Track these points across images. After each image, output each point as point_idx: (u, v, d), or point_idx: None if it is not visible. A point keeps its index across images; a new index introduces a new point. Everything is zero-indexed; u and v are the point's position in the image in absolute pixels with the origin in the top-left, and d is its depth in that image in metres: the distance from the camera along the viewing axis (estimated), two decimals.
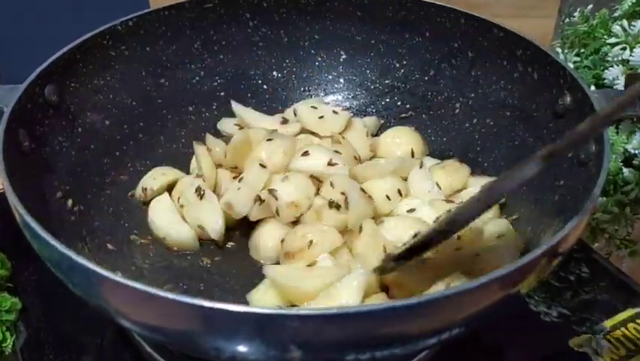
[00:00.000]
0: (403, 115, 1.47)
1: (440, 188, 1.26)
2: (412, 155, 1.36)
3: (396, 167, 1.27)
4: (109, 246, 1.22)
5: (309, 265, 1.11)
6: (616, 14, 1.40)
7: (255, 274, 1.16)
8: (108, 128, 1.31)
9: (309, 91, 1.52)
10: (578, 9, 1.45)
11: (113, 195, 1.30)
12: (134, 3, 1.77)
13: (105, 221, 1.25)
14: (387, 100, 1.49)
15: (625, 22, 1.35)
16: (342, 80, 1.52)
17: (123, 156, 1.34)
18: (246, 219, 1.22)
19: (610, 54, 1.36)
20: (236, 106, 1.45)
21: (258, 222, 1.24)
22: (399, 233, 1.16)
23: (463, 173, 1.31)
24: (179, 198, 1.28)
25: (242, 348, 0.81)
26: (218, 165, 1.32)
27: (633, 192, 1.30)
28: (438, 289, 1.04)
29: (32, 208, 0.92)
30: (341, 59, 1.51)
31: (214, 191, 1.27)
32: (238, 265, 1.22)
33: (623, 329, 1.18)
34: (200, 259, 1.23)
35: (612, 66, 1.33)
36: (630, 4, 1.37)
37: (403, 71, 1.47)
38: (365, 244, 1.14)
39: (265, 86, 1.49)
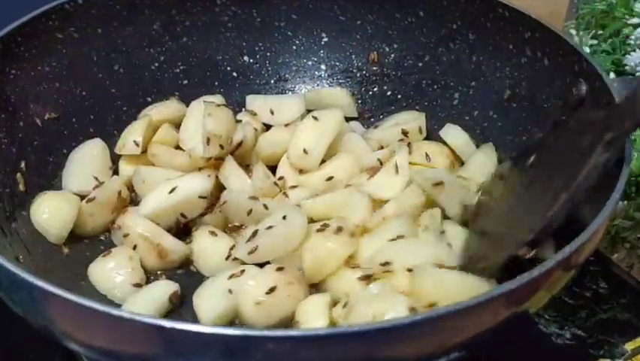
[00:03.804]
0: (394, 107, 1.48)
1: None
2: None
3: None
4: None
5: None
6: None
7: None
8: (54, 121, 1.31)
9: (286, 79, 1.52)
10: None
11: None
12: None
13: None
14: (376, 89, 1.49)
15: None
16: (323, 67, 1.52)
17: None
18: None
19: (632, 36, 1.37)
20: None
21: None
22: None
23: None
24: None
25: None
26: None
27: None
28: None
29: None
30: (322, 42, 1.51)
31: None
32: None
33: None
34: None
35: (634, 50, 1.34)
36: None
37: (393, 56, 1.47)
38: None
39: (235, 74, 1.49)
